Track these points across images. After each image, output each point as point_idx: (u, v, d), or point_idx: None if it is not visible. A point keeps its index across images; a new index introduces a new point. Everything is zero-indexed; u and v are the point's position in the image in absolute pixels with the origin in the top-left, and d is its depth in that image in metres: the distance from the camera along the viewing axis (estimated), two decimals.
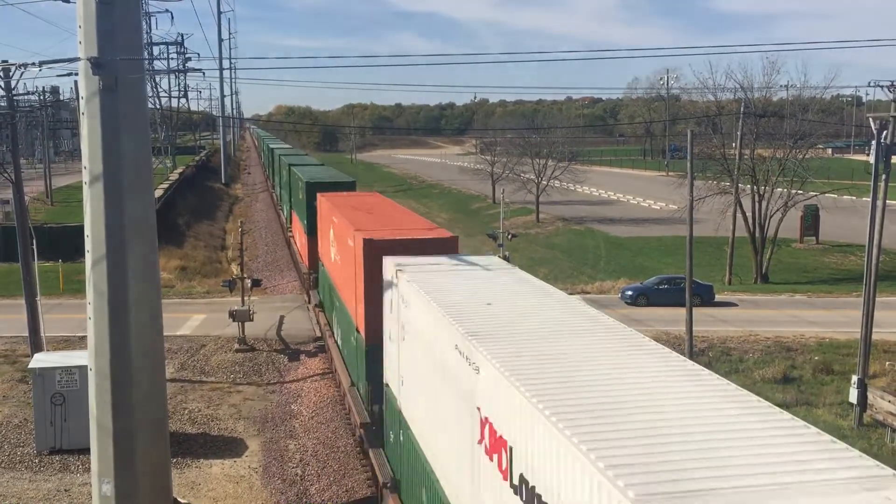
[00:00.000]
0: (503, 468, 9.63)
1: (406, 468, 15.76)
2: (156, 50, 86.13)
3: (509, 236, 40.29)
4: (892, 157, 26.25)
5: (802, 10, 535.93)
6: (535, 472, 8.53)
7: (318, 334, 32.69)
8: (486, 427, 10.30)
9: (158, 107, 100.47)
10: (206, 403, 26.56)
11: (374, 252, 18.58)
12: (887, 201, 27.30)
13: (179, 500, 17.46)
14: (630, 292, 40.27)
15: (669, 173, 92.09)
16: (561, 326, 11.79)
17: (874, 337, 27.41)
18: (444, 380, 12.42)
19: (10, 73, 25.41)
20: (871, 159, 26.28)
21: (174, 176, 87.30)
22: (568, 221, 78.10)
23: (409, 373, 15.31)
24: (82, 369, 20.52)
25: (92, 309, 15.56)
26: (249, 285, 33.11)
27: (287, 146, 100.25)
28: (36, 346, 26.99)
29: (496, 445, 9.89)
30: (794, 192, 52.66)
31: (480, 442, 10.59)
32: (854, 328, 28.73)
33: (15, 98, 26.98)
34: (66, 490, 20.43)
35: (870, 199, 26.00)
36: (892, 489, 6.59)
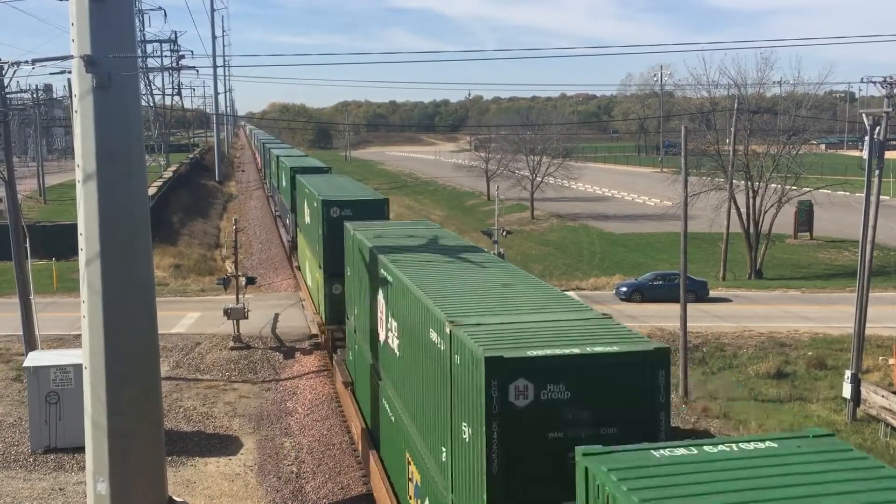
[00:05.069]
0: None
1: None
2: (149, 47, 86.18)
3: (504, 233, 40.36)
4: (885, 152, 26.34)
5: (796, 6, 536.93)
6: None
7: (314, 332, 32.68)
8: None
9: (152, 104, 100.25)
10: (201, 401, 26.55)
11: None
12: (881, 197, 27.34)
13: (175, 498, 17.44)
14: (625, 288, 40.32)
15: (664, 169, 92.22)
16: None
17: (867, 332, 27.46)
18: None
19: (3, 71, 25.32)
20: (865, 155, 26.34)
21: (168, 174, 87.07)
22: (562, 218, 78.15)
23: None
24: (77, 368, 20.50)
25: (86, 307, 15.54)
26: (244, 283, 33.07)
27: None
28: (30, 344, 26.92)
29: None
30: (787, 187, 52.76)
31: None
32: (847, 323, 28.80)
33: (7, 96, 26.91)
34: (60, 489, 20.41)
35: (863, 195, 26.08)
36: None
